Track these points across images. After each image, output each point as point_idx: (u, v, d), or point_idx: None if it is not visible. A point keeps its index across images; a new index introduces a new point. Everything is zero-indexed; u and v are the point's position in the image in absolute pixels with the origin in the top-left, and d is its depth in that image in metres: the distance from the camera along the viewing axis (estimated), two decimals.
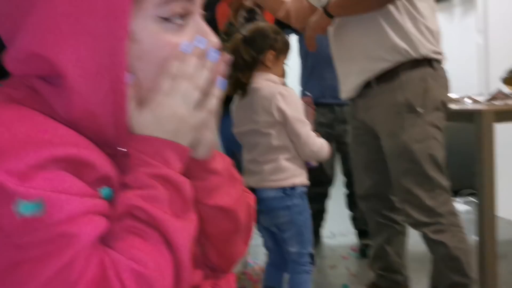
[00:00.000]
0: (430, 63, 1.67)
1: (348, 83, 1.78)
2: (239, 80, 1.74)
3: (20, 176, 0.46)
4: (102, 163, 0.53)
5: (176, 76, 0.55)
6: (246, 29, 1.79)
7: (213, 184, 0.62)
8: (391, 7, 1.63)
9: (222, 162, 0.64)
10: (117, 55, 0.51)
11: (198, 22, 0.58)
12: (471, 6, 3.40)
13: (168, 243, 0.51)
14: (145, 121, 0.54)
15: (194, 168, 0.60)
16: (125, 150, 0.55)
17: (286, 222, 1.70)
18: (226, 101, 2.01)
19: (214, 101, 0.57)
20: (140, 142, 0.54)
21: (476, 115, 2.01)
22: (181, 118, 0.55)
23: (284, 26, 2.19)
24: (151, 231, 0.51)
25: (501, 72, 2.53)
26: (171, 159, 0.54)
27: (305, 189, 1.74)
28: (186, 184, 0.54)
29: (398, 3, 1.62)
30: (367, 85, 1.72)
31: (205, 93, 0.57)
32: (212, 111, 0.58)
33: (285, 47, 1.78)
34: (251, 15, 2.27)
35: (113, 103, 0.52)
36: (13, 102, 0.53)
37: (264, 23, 1.92)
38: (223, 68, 0.59)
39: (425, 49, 1.64)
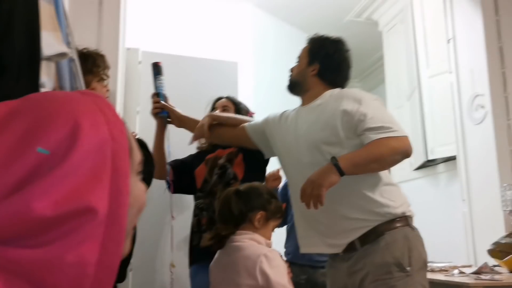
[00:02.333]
0: (407, 220, 1.71)
1: (327, 242, 1.76)
2: (218, 233, 1.68)
3: None
4: None
5: None
6: (242, 185, 1.78)
7: None
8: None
9: None
10: (123, 207, 0.59)
11: None
12: (455, 174, 3.50)
13: None
14: None
15: None
16: None
17: None
18: (205, 256, 1.96)
19: None
20: None
21: None
22: None
23: None
24: None
25: (487, 242, 2.51)
26: None
27: None
28: None
29: None
30: (350, 248, 1.70)
31: None
32: None
33: (278, 212, 1.74)
34: (222, 170, 2.33)
35: (108, 251, 0.56)
36: None
37: (261, 184, 1.87)
38: None
39: (402, 207, 1.71)
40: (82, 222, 0.54)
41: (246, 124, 2.11)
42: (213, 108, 2.59)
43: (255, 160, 2.31)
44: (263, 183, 2.31)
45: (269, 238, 1.71)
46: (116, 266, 0.58)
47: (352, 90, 1.87)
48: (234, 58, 3.56)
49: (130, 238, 0.67)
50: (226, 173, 2.31)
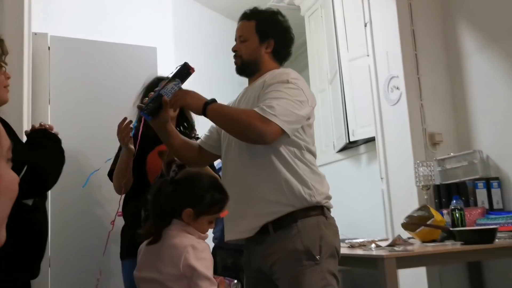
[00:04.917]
0: (322, 210, 1.71)
1: (242, 225, 1.74)
2: (150, 230, 1.59)
3: None
4: None
5: None
6: (182, 172, 1.66)
7: None
8: (284, 153, 1.69)
9: None
10: None
11: None
12: (375, 154, 3.63)
13: None
14: None
15: None
16: None
17: None
18: (135, 243, 1.86)
19: None
20: None
21: (380, 262, 2.02)
22: None
23: None
24: None
25: (403, 216, 2.63)
26: None
27: None
28: None
29: (290, 150, 1.70)
30: (263, 231, 1.69)
31: None
32: None
33: (211, 208, 1.59)
34: (181, 169, 2.20)
35: None
36: None
37: (206, 173, 1.72)
38: None
39: (319, 196, 1.70)
40: None
41: (199, 141, 1.96)
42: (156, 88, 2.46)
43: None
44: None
45: (203, 231, 1.61)
46: None
47: (280, 70, 1.81)
48: (154, 43, 3.48)
49: (4, 227, 0.65)
50: None
